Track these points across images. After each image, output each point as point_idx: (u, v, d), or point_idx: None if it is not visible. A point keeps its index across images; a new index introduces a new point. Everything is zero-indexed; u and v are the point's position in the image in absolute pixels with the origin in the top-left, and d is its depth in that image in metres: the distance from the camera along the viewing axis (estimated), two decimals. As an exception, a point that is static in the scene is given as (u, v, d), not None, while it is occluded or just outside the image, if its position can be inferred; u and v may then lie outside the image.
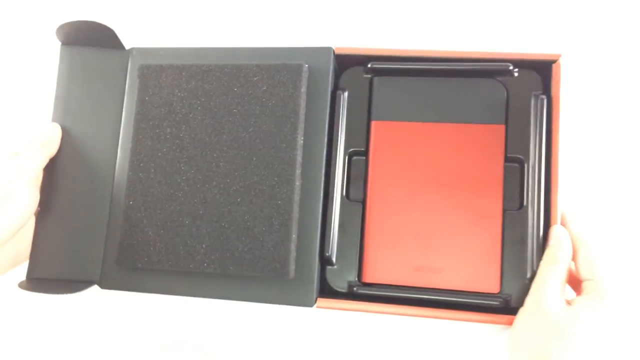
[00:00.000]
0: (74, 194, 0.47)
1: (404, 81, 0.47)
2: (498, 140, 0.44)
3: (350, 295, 0.45)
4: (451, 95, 0.46)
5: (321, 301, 0.44)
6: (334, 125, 0.46)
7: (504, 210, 0.44)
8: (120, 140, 0.48)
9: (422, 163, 0.45)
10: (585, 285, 0.41)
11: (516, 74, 0.45)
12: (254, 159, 0.44)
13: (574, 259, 0.42)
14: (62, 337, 0.55)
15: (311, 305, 0.43)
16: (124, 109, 0.48)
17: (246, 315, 0.53)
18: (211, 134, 0.45)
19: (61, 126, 0.48)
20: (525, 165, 0.44)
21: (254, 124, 0.45)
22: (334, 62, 0.47)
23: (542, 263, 0.42)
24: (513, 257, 0.43)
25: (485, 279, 0.43)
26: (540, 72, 0.45)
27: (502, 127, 0.45)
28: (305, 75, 0.45)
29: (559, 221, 0.42)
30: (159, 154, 0.46)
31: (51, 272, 0.47)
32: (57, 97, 0.49)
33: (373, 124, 0.47)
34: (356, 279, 0.45)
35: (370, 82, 0.47)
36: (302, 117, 0.45)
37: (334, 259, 0.45)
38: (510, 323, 0.42)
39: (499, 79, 0.45)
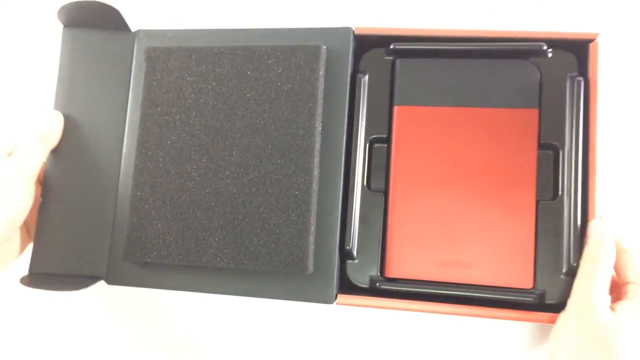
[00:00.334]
0: (78, 185, 0.46)
1: (428, 63, 0.45)
2: (531, 125, 0.43)
3: (372, 291, 0.44)
4: (480, 78, 0.44)
5: (342, 297, 0.42)
6: (354, 110, 0.45)
7: (537, 201, 0.42)
8: (126, 128, 0.47)
9: (448, 150, 0.44)
10: (630, 289, 0.39)
11: (550, 55, 0.43)
12: (269, 146, 0.43)
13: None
14: (63, 333, 0.54)
15: (331, 302, 0.42)
16: (130, 94, 0.47)
17: (261, 312, 0.51)
18: (223, 120, 0.44)
19: (64, 114, 0.47)
20: (560, 152, 0.42)
21: (269, 109, 0.43)
22: (354, 43, 0.45)
23: (583, 263, 0.39)
24: (547, 251, 0.41)
25: (518, 273, 0.42)
26: (576, 52, 0.43)
27: (535, 112, 0.43)
28: (323, 57, 0.43)
29: (597, 214, 0.40)
30: (168, 142, 0.45)
31: (54, 267, 0.46)
32: (59, 83, 0.47)
33: (396, 109, 0.45)
34: (378, 273, 0.44)
35: (393, 64, 0.46)
36: (320, 102, 0.43)
37: (354, 253, 0.44)
38: (544, 321, 0.40)
39: (532, 60, 0.44)
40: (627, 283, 0.39)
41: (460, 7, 0.52)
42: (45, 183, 0.46)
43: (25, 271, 0.45)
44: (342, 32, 0.44)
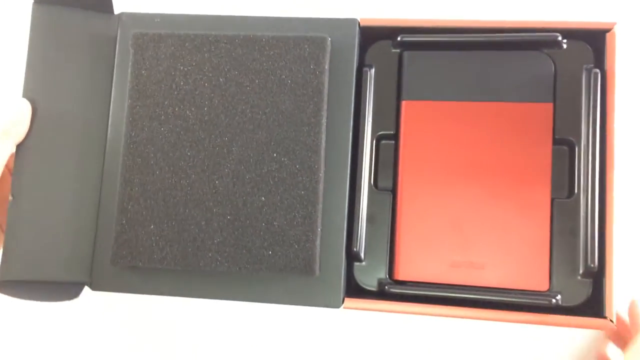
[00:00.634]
0: (52, 181, 0.43)
1: (437, 56, 0.44)
2: (545, 120, 0.42)
3: (381, 294, 0.43)
4: (491, 71, 0.43)
5: (349, 301, 0.41)
6: (360, 106, 0.44)
7: (553, 199, 0.42)
8: (110, 119, 0.44)
9: (458, 147, 0.43)
10: None
11: (565, 46, 0.43)
12: (272, 143, 0.41)
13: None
14: (51, 337, 0.52)
15: (338, 306, 0.41)
16: (113, 83, 0.44)
17: (265, 317, 0.51)
18: (221, 114, 0.42)
19: (33, 102, 0.43)
20: (576, 148, 0.42)
21: (271, 103, 0.41)
22: (359, 35, 0.44)
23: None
24: (563, 251, 0.41)
25: (532, 275, 0.41)
26: (592, 43, 0.43)
27: (549, 106, 0.42)
28: (328, 49, 0.42)
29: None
30: (160, 137, 0.42)
31: (31, 273, 0.42)
32: (28, 68, 0.43)
33: (404, 104, 0.44)
34: (387, 276, 0.43)
35: (400, 57, 0.45)
36: (325, 97, 0.41)
37: (362, 255, 0.43)
38: (560, 324, 0.40)
39: (546, 51, 0.43)
40: None
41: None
42: (14, 180, 0.42)
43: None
44: (347, 24, 0.43)
